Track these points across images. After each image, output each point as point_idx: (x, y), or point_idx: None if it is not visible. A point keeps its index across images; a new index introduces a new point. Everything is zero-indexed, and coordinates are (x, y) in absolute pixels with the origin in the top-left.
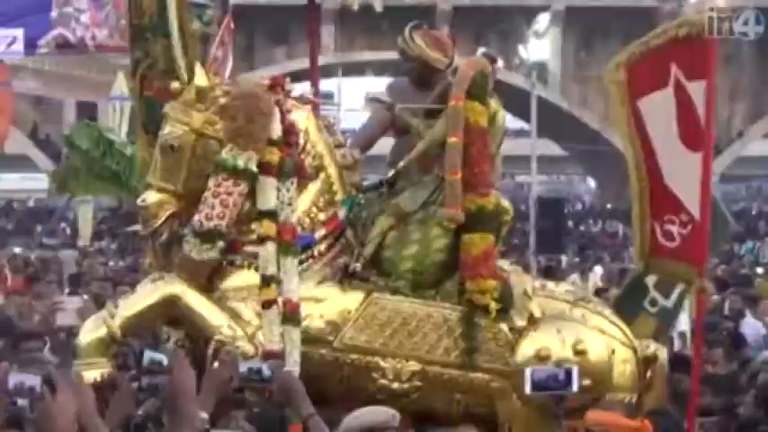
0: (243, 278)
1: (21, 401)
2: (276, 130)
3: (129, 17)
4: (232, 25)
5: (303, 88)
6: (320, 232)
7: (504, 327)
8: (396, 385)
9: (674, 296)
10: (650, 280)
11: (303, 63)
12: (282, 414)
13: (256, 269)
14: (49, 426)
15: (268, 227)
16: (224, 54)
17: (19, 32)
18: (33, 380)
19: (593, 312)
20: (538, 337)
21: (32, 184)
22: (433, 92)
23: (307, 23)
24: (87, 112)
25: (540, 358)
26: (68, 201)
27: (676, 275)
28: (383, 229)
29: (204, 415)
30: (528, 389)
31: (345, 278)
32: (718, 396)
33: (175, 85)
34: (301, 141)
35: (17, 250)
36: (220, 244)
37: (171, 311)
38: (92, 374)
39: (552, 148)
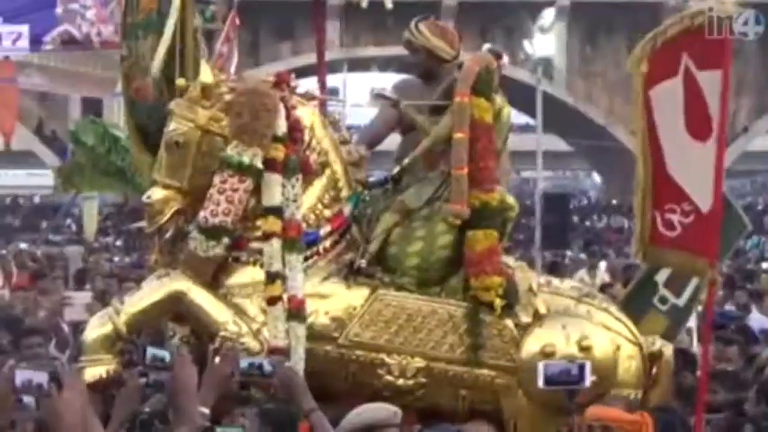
0: (248, 275)
1: (26, 398)
2: (281, 127)
3: (123, 14)
4: (237, 21)
5: (309, 84)
6: (325, 229)
7: (509, 323)
8: (401, 382)
9: (687, 295)
10: (660, 277)
11: (308, 59)
12: (294, 411)
13: (261, 266)
14: (55, 422)
15: (273, 223)
16: (229, 50)
17: (24, 28)
18: (40, 377)
19: (598, 309)
20: (543, 334)
21: (38, 180)
22: (439, 88)
23: (312, 19)
24: (93, 108)
25: (546, 354)
26: (74, 197)
27: (675, 265)
28: (388, 225)
29: (205, 410)
30: (541, 383)
31: (350, 275)
32: (724, 392)
33: (181, 81)
34: (306, 138)
35: (23, 246)
36: (225, 240)
37: (176, 308)
38: (97, 371)
39: (558, 144)
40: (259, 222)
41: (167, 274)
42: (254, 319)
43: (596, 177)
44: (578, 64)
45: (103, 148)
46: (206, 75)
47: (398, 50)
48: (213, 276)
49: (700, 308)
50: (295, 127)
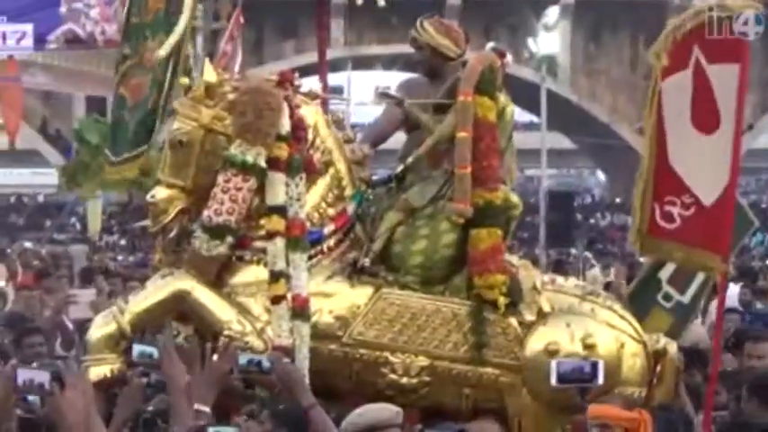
0: (252, 274)
1: (31, 398)
2: (285, 126)
3: (126, 14)
4: (242, 20)
5: (312, 83)
6: (329, 227)
7: (513, 321)
8: (405, 380)
9: (692, 291)
10: (663, 274)
11: (312, 57)
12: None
13: (265, 265)
14: (59, 421)
15: (277, 222)
16: (233, 48)
17: (28, 28)
18: (42, 376)
19: (602, 307)
20: (547, 332)
21: (42, 179)
22: (443, 87)
23: (316, 18)
24: (97, 106)
25: (550, 353)
26: (78, 196)
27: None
28: (392, 224)
29: (205, 408)
30: (554, 381)
31: (354, 273)
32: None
33: (184, 80)
34: (310, 137)
35: (27, 245)
36: (229, 239)
37: (180, 307)
38: (101, 370)
39: (562, 142)
40: (263, 221)
41: (171, 274)
42: (258, 318)
43: (600, 175)
44: (582, 62)
45: (107, 146)
46: (209, 74)
47: (402, 48)
48: (217, 275)
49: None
50: (299, 126)
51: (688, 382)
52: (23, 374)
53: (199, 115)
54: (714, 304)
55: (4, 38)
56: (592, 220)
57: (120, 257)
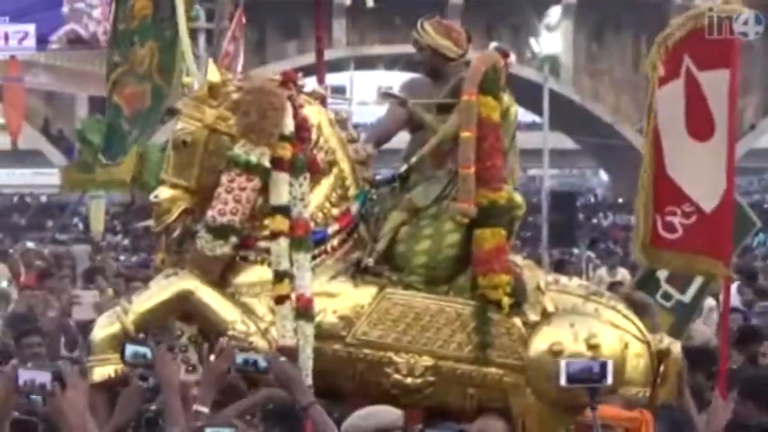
0: (256, 274)
1: (33, 397)
2: (288, 126)
3: (113, 21)
4: (243, 20)
5: (315, 83)
6: (333, 227)
7: (517, 321)
8: (409, 380)
9: (692, 291)
10: (662, 274)
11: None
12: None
13: (269, 265)
14: (60, 422)
15: (281, 222)
16: (235, 49)
17: (31, 28)
18: (44, 376)
19: (606, 307)
20: (551, 332)
21: (45, 179)
22: (446, 87)
23: (315, 18)
24: (99, 107)
25: (554, 353)
26: (81, 196)
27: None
28: (396, 224)
29: (204, 409)
30: (563, 381)
31: (358, 273)
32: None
33: (187, 78)
34: (314, 136)
35: (30, 245)
36: (233, 239)
37: (184, 307)
38: (105, 370)
39: (564, 142)
40: (267, 221)
41: (175, 274)
42: (262, 319)
43: (603, 175)
44: (585, 62)
45: (102, 149)
46: (213, 74)
47: (405, 49)
48: (221, 275)
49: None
50: (302, 126)
51: (691, 383)
52: (24, 375)
53: (202, 115)
54: (707, 303)
55: (7, 38)
56: (594, 220)
57: (122, 258)
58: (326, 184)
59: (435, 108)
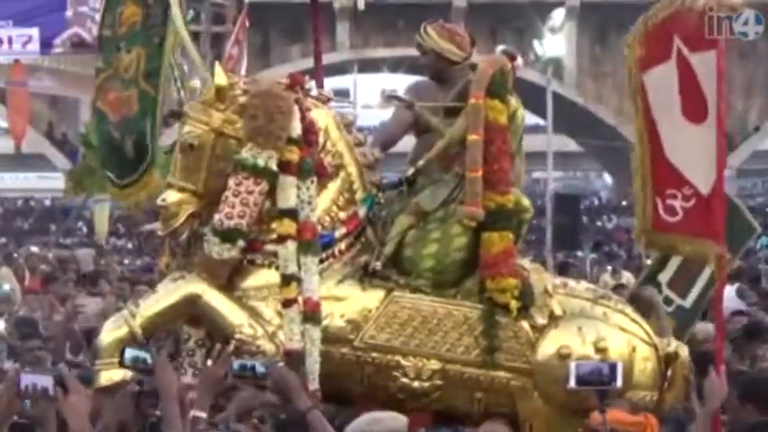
0: (263, 277)
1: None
2: (296, 129)
3: (99, 27)
4: (247, 23)
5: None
6: (340, 231)
7: (524, 325)
8: (416, 384)
9: (693, 296)
10: (663, 278)
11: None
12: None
13: (277, 268)
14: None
15: (288, 225)
16: (239, 52)
17: (34, 32)
18: (46, 381)
19: (614, 310)
20: (559, 335)
21: (49, 183)
22: (453, 90)
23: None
24: None
25: (561, 356)
26: (85, 200)
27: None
28: (403, 227)
29: (201, 414)
30: (572, 383)
31: (366, 277)
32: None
33: (195, 83)
34: (321, 140)
35: (34, 249)
36: (241, 243)
37: (192, 311)
38: (112, 374)
39: (568, 144)
40: (274, 225)
41: (183, 277)
42: (269, 322)
43: (607, 178)
44: (588, 64)
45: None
46: (220, 77)
47: (408, 51)
48: (228, 279)
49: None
50: (310, 129)
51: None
52: (26, 379)
53: (209, 119)
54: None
55: (10, 42)
56: (599, 223)
57: (126, 261)
58: (334, 187)
59: (442, 111)
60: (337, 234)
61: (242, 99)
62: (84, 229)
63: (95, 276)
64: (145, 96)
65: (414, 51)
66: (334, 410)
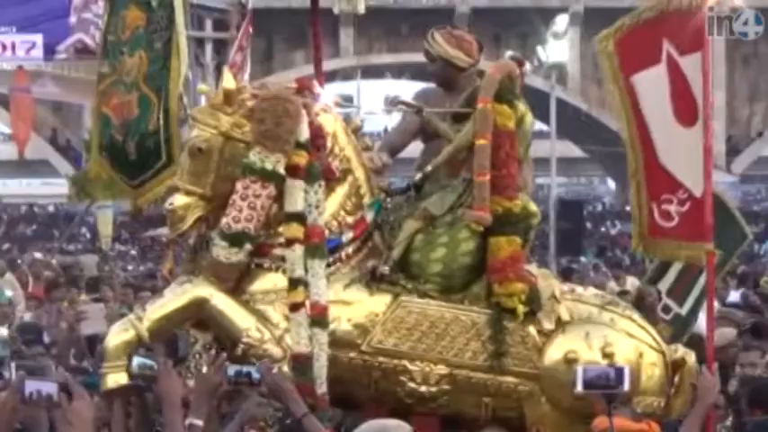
0: (270, 281)
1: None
2: (304, 133)
3: (103, 32)
4: (251, 30)
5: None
6: (348, 235)
7: (532, 330)
8: (424, 389)
9: (689, 304)
10: (663, 286)
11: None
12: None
13: (284, 272)
14: None
15: (296, 230)
16: (243, 59)
17: (38, 38)
18: (50, 387)
19: (621, 316)
20: (566, 341)
21: (53, 189)
22: (461, 96)
23: (324, 27)
24: None
25: (568, 361)
26: (89, 206)
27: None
28: (411, 232)
29: (198, 422)
30: (579, 387)
31: (373, 281)
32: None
33: (203, 87)
34: (329, 144)
35: (38, 255)
36: (248, 246)
37: (199, 314)
38: (119, 377)
39: (572, 150)
40: (281, 229)
41: (189, 281)
42: (276, 326)
43: (611, 183)
44: (592, 70)
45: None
46: (228, 81)
47: (412, 57)
48: (236, 283)
49: None
50: (317, 133)
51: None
52: (31, 385)
53: (218, 122)
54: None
55: (14, 48)
56: (602, 228)
57: (130, 267)
58: (341, 192)
59: (450, 117)
60: (345, 238)
61: (250, 103)
62: (88, 235)
63: (97, 282)
64: (145, 101)
65: (417, 57)
66: (341, 415)
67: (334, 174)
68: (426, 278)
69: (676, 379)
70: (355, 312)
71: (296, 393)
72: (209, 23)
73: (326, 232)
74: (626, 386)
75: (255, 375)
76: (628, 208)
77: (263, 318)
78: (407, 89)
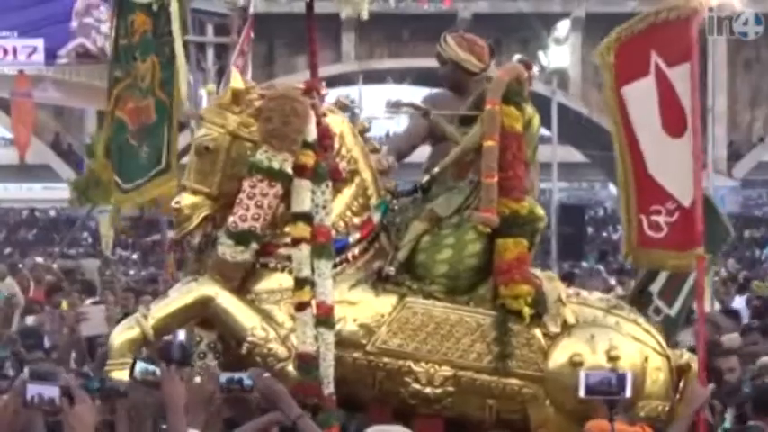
0: (276, 281)
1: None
2: (311, 133)
3: (114, 37)
4: (252, 34)
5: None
6: (354, 236)
7: (537, 332)
8: (428, 390)
9: (678, 305)
10: (654, 288)
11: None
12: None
13: (290, 272)
14: None
15: (302, 229)
16: (244, 63)
17: (39, 42)
18: (52, 390)
19: (626, 320)
20: (571, 344)
21: (54, 193)
22: (469, 99)
23: (326, 32)
24: None
25: (573, 364)
26: (90, 210)
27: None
28: (417, 233)
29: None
30: (582, 392)
31: (379, 282)
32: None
33: (211, 87)
34: (336, 145)
35: (39, 260)
36: (254, 246)
37: (204, 313)
38: (124, 375)
39: (573, 155)
40: (288, 228)
41: (195, 280)
42: (281, 325)
43: (612, 188)
44: (593, 75)
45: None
46: (236, 81)
47: (413, 63)
48: (241, 282)
49: None
50: (325, 134)
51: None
52: (32, 389)
53: (225, 122)
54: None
55: (15, 53)
56: (604, 233)
57: (132, 272)
58: (348, 193)
59: (458, 120)
60: (351, 239)
61: (258, 102)
62: (90, 240)
63: (91, 286)
64: (161, 107)
65: (419, 62)
66: (344, 417)
67: (341, 174)
68: (432, 279)
69: (681, 384)
70: (361, 313)
71: (289, 395)
72: (210, 28)
73: (333, 233)
74: (628, 392)
75: (247, 382)
76: None
77: (268, 317)
78: (409, 94)
